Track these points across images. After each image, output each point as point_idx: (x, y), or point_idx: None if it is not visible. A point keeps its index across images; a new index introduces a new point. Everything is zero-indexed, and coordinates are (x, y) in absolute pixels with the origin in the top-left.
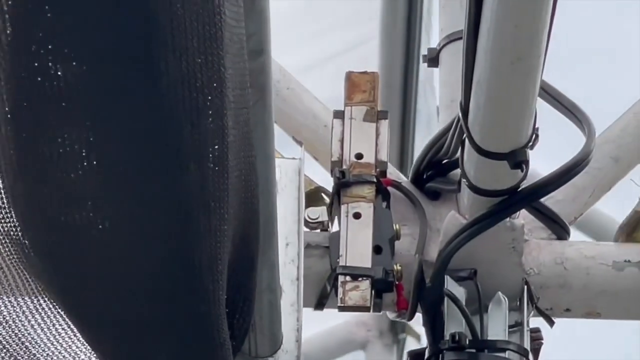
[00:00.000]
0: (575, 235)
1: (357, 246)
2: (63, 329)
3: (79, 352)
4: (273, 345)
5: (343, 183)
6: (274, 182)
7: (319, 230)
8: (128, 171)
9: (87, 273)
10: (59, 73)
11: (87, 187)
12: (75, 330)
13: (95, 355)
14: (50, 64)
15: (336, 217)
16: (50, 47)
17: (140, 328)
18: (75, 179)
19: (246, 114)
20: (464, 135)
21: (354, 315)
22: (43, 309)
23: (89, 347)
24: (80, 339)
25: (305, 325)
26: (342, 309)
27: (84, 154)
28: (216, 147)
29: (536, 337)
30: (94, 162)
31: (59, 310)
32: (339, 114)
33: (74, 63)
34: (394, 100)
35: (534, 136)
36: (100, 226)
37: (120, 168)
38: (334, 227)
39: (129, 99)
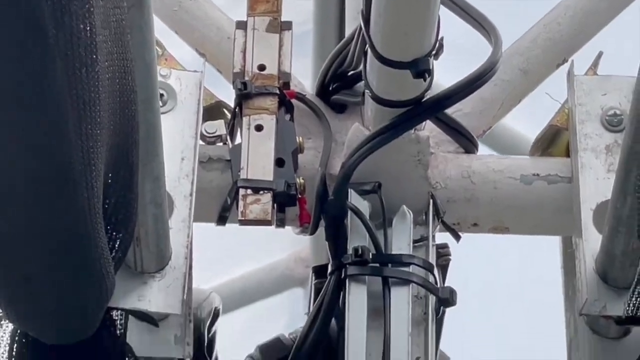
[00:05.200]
0: (483, 150)
1: (258, 159)
2: None
3: None
4: (160, 261)
5: (245, 95)
6: (156, 91)
7: (221, 144)
8: None
9: None
10: None
11: None
12: None
13: None
14: None
15: (238, 130)
16: None
17: (14, 234)
18: None
19: (119, 14)
20: (367, 45)
21: (292, 252)
22: None
23: None
24: None
25: (242, 262)
26: (243, 222)
27: None
28: (82, 44)
29: (444, 253)
30: None
31: None
32: (241, 25)
33: None
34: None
35: (437, 45)
36: None
37: None
38: (237, 140)
39: None
